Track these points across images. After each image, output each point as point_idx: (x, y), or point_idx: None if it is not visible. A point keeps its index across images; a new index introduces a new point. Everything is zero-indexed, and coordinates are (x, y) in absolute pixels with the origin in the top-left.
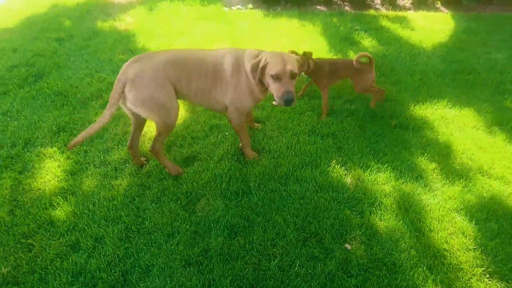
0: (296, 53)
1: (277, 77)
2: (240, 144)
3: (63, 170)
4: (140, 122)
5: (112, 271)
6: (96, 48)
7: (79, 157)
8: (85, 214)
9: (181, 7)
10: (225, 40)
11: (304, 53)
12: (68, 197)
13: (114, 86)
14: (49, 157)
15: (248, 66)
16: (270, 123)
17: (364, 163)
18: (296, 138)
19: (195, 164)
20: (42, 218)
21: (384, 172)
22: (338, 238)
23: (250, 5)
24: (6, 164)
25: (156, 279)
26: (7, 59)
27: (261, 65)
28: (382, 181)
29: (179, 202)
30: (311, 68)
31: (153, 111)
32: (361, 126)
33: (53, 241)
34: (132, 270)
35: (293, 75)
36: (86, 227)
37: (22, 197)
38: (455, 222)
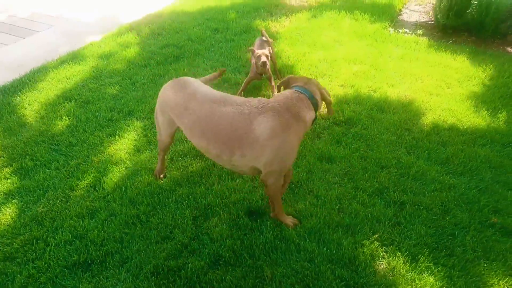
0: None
1: None
2: (272, 214)
3: (134, 145)
4: None
5: (101, 248)
6: (237, 43)
7: (154, 139)
8: (120, 188)
9: (345, 20)
10: (363, 64)
11: None
12: (120, 169)
13: None
14: (134, 130)
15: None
16: (339, 166)
17: (415, 254)
18: (354, 192)
19: (237, 180)
20: (92, 179)
21: (434, 277)
22: None
23: (421, 31)
24: (104, 125)
25: (124, 273)
26: (167, 38)
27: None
28: (421, 286)
29: (195, 212)
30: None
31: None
32: (446, 209)
33: (84, 202)
34: (114, 255)
35: None
36: (111, 202)
37: (94, 157)
38: None
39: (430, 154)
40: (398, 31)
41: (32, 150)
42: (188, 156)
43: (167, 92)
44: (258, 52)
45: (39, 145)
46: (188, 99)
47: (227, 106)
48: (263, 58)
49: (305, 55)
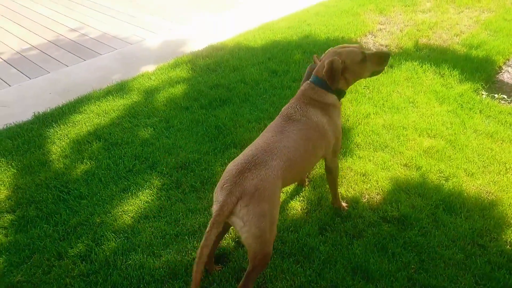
0: None
1: (364, 58)
2: (332, 201)
3: (144, 210)
4: (226, 230)
5: None
6: (293, 92)
7: (166, 204)
8: (108, 266)
9: (428, 74)
10: (439, 137)
11: None
12: (117, 240)
13: (223, 198)
14: (150, 189)
15: (316, 93)
16: (377, 287)
17: None
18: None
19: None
20: (83, 248)
21: None
22: None
23: None
24: (122, 176)
25: None
26: (220, 77)
27: (340, 66)
28: None
29: None
30: None
31: (262, 234)
32: None
33: (65, 278)
34: None
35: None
36: (92, 284)
37: (97, 217)
38: None
39: None
40: (493, 97)
41: (41, 196)
42: (195, 235)
43: (269, 160)
44: None
45: (50, 191)
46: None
47: (285, 132)
48: None
49: (368, 117)
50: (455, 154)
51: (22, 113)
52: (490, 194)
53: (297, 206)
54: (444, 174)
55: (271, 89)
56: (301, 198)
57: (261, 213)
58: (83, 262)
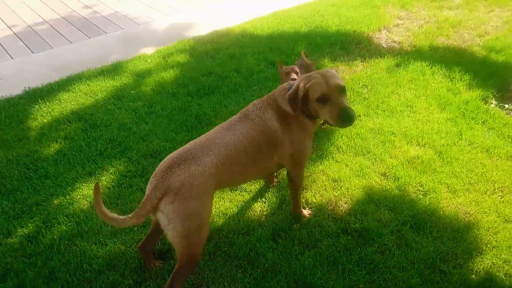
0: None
1: (324, 99)
2: (293, 208)
3: (102, 196)
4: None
5: None
6: None
7: (126, 191)
8: (51, 249)
9: (436, 77)
10: (429, 147)
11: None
12: (68, 224)
13: (148, 192)
14: (115, 175)
15: (282, 97)
16: None
17: None
18: None
19: None
20: (33, 228)
21: None
22: None
23: None
24: (91, 160)
25: None
26: (215, 65)
27: (301, 93)
28: None
29: None
30: None
31: (189, 233)
32: None
33: (8, 257)
34: None
35: (341, 90)
36: (32, 266)
37: (56, 198)
38: None
39: None
40: (502, 107)
41: (9, 172)
42: (145, 228)
43: (202, 157)
44: (287, 68)
45: (19, 167)
46: (226, 152)
47: (232, 129)
48: (293, 75)
49: (357, 119)
50: (442, 167)
51: (16, 87)
52: (468, 215)
53: (256, 207)
54: (423, 188)
55: (263, 80)
56: (262, 199)
57: (187, 211)
58: (30, 243)
